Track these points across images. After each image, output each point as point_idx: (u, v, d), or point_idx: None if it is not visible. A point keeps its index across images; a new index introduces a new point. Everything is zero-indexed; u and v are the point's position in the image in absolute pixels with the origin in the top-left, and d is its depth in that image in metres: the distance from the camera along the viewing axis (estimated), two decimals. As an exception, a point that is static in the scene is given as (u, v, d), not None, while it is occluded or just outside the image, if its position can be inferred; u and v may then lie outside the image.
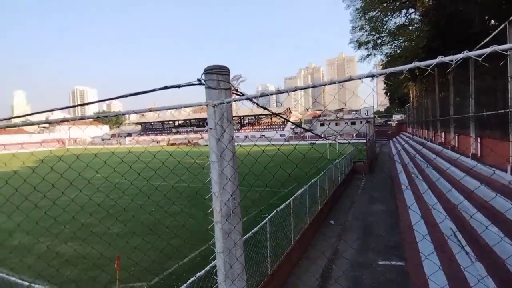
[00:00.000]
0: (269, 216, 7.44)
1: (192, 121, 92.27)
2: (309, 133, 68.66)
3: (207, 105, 2.12)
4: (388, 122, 73.91)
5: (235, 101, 2.21)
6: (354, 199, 16.31)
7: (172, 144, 72.15)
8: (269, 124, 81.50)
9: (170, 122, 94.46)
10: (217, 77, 2.39)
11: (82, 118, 2.79)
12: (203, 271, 4.76)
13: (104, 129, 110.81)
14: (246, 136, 74.42)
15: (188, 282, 4.49)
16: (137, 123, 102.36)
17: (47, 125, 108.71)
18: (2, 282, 5.18)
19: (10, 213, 10.73)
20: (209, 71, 2.39)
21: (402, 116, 69.97)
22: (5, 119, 2.46)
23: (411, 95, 40.35)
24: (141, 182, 18.95)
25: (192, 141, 75.23)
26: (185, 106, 2.08)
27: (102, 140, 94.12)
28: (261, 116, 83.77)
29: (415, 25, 26.58)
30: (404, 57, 25.23)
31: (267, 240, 7.25)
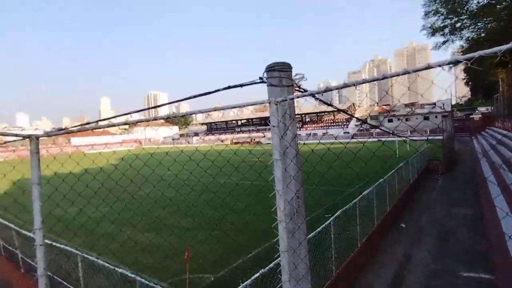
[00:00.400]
0: (333, 216, 7.18)
1: (254, 120, 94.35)
2: (376, 130, 64.64)
3: (269, 103, 2.11)
4: (471, 116, 65.46)
5: (298, 97, 2.15)
6: (429, 201, 14.83)
7: (236, 143, 74.72)
8: (332, 121, 78.93)
9: (234, 121, 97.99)
10: (279, 74, 2.36)
11: (155, 119, 3.02)
12: (266, 268, 4.80)
13: (174, 130, 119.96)
14: (308, 134, 73.30)
15: (252, 278, 4.56)
16: (203, 123, 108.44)
17: (126, 126, 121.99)
18: (92, 265, 5.94)
19: (98, 205, 12.29)
20: (270, 68, 2.37)
21: (488, 109, 61.30)
22: (93, 122, 2.79)
23: (501, 83, 35.04)
24: (208, 179, 20.03)
25: (254, 139, 76.86)
26: (248, 105, 2.10)
27: (172, 139, 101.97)
28: (323, 114, 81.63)
29: (504, 3, 22.97)
30: (491, 40, 21.97)
31: (332, 240, 7.01)
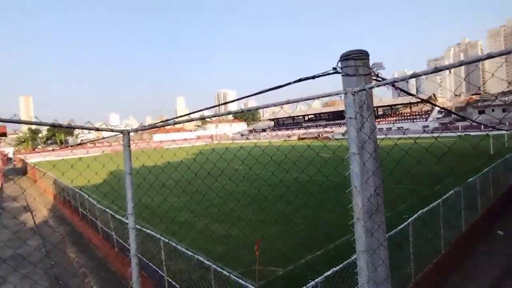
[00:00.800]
0: (412, 218, 6.58)
1: (322, 115, 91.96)
2: (462, 123, 57.14)
3: (345, 93, 1.99)
4: None
5: (377, 86, 1.99)
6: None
7: (302, 139, 73.86)
8: (409, 114, 72.24)
9: (300, 117, 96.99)
10: (355, 62, 2.21)
11: (222, 115, 3.13)
12: (338, 267, 4.64)
13: (243, 126, 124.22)
14: (381, 129, 68.46)
15: (324, 275, 4.45)
16: (270, 119, 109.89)
17: (200, 123, 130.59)
18: (173, 250, 6.50)
19: (179, 195, 13.40)
20: (345, 57, 2.24)
21: None
22: (171, 119, 3.01)
23: None
24: (281, 173, 20.18)
25: (322, 135, 74.95)
26: (322, 96, 2.01)
27: (241, 135, 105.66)
28: (398, 106, 75.31)
29: None
30: None
31: (410, 243, 6.45)
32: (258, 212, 13.04)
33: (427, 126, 61.19)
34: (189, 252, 5.79)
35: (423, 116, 67.42)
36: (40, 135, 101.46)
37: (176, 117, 3.72)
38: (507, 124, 45.04)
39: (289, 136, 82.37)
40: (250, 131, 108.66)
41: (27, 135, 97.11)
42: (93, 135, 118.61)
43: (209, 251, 9.56)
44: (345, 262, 4.61)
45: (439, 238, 7.58)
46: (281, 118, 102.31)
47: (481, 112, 59.08)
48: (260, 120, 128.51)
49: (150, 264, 7.71)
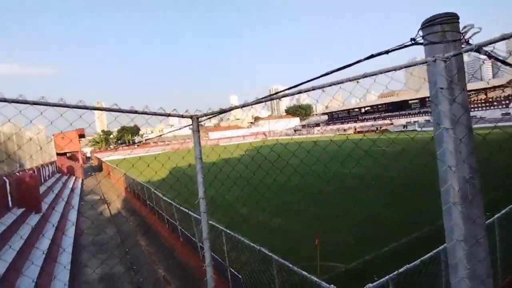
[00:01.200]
0: (500, 213, 5.79)
1: (379, 107, 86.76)
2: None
3: (434, 61, 1.74)
4: None
5: (472, 50, 1.70)
6: None
7: (359, 132, 70.56)
8: (484, 101, 64.16)
9: (356, 109, 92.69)
10: (441, 27, 1.93)
11: (272, 99, 3.02)
12: (412, 263, 4.25)
13: (296, 121, 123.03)
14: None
15: (395, 272, 4.11)
16: (323, 113, 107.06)
17: (253, 120, 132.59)
18: (234, 241, 6.62)
19: (238, 191, 13.74)
20: (430, 22, 1.97)
21: None
22: (222, 111, 2.99)
23: None
24: (335, 166, 19.54)
25: (380, 127, 70.74)
26: (406, 66, 1.79)
27: (294, 131, 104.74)
28: (471, 92, 67.47)
29: None
30: None
31: (497, 242, 5.67)
32: (312, 206, 12.73)
33: (508, 114, 53.84)
34: (252, 244, 5.84)
35: (503, 103, 59.49)
36: (111, 136, 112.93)
37: (257, 101, 3.70)
38: None
39: (344, 130, 79.34)
40: (303, 126, 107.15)
41: (101, 136, 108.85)
42: (155, 135, 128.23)
43: (263, 245, 9.61)
44: (418, 260, 4.21)
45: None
46: (335, 112, 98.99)
47: None
48: (313, 115, 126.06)
49: (212, 254, 7.99)
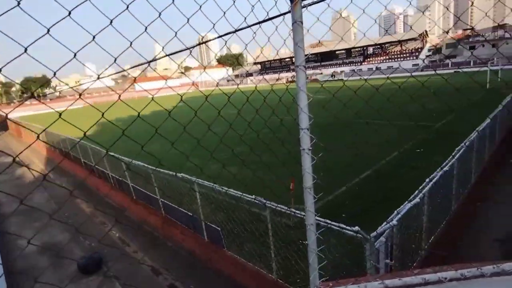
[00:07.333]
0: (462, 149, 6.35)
1: (309, 57, 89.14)
2: (453, 60, 56.70)
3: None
4: None
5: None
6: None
7: (291, 82, 72.36)
8: (399, 52, 70.71)
9: (287, 59, 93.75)
10: None
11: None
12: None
13: (228, 72, 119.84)
14: (370, 69, 67.52)
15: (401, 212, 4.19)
16: (255, 63, 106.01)
17: (183, 70, 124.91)
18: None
19: (178, 143, 12.85)
20: None
21: None
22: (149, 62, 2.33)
23: None
24: (285, 116, 19.59)
25: (311, 77, 73.49)
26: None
27: (227, 81, 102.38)
28: (387, 44, 73.22)
29: None
30: None
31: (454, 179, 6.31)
32: (265, 155, 12.76)
33: (417, 65, 60.56)
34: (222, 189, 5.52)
35: (413, 55, 66.40)
36: (13, 89, 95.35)
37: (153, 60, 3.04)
38: (495, 60, 44.89)
39: (277, 80, 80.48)
40: (236, 76, 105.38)
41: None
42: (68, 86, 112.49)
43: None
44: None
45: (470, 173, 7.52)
46: (267, 61, 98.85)
47: (472, 48, 58.45)
48: (247, 64, 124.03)
49: (180, 208, 7.49)
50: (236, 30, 2.43)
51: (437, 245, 5.23)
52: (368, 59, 74.75)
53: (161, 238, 8.45)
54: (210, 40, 4.37)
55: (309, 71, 79.88)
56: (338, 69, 73.23)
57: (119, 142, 2.38)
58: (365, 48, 75.74)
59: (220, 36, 2.71)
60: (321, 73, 74.04)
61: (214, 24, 1.94)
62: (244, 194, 5.73)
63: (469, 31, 66.60)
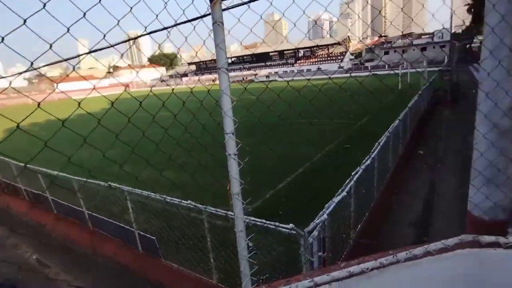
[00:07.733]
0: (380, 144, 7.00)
1: (245, 58, 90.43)
2: (371, 64, 63.09)
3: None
4: (471, 46, 63.27)
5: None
6: (444, 128, 15.02)
7: (213, 81, 72.44)
8: (327, 56, 76.11)
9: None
10: None
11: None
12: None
13: (161, 71, 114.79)
14: (301, 71, 71.31)
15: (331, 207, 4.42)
16: (190, 63, 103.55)
17: (111, 70, 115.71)
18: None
19: (109, 148, 11.87)
20: None
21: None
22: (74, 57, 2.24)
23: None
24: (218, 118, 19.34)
25: (246, 78, 74.60)
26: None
27: (161, 81, 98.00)
28: (315, 49, 78.27)
29: None
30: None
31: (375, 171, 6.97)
32: (200, 158, 12.55)
33: (342, 67, 65.92)
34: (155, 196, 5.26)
35: (339, 58, 72.06)
36: None
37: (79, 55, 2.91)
38: (405, 64, 51.37)
39: (213, 81, 79.59)
40: (171, 77, 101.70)
41: None
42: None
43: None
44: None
45: (389, 162, 8.44)
46: (203, 62, 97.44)
47: (386, 53, 65.77)
48: (181, 64, 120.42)
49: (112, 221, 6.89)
50: (151, 32, 2.26)
51: (363, 234, 5.72)
52: (299, 61, 78.86)
53: (90, 255, 7.67)
54: (138, 37, 4.07)
55: (245, 72, 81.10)
56: (273, 70, 75.69)
57: (33, 149, 2.05)
58: (296, 50, 79.72)
59: (142, 35, 2.52)
60: (256, 74, 75.68)
61: (146, 28, 1.78)
62: (182, 201, 5.47)
63: (383, 38, 74.91)
